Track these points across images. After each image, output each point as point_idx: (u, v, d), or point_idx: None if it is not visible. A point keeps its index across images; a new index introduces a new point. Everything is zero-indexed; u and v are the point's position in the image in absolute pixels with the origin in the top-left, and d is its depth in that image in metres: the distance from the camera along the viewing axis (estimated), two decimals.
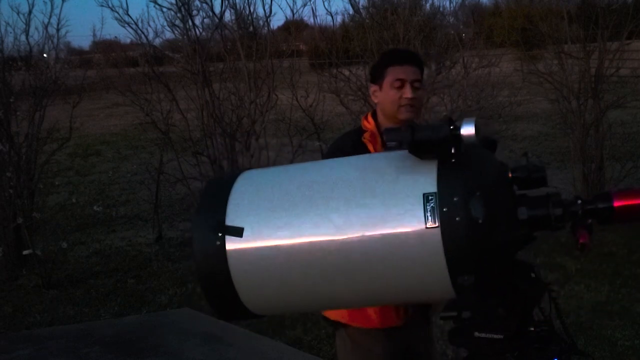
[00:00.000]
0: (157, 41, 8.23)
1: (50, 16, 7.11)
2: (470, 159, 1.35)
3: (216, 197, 1.50)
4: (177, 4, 6.70)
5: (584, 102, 7.06)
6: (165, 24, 8.75)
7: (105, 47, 17.54)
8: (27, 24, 7.06)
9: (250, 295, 1.48)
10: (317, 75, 7.72)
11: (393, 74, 2.33)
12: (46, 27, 7.19)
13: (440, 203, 1.30)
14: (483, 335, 1.45)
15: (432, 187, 1.32)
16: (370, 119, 2.43)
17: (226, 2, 6.83)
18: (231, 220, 1.45)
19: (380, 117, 2.41)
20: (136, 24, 6.90)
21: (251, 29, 7.41)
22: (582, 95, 7.06)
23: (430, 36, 7.57)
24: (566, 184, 7.23)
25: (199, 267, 1.48)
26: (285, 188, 1.49)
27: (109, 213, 9.09)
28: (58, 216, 8.32)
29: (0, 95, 6.62)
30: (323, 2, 22.85)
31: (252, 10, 8.41)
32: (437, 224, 1.30)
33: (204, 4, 6.81)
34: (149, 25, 11.08)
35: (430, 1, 11.51)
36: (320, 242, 1.39)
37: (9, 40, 9.02)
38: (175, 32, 7.06)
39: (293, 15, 7.82)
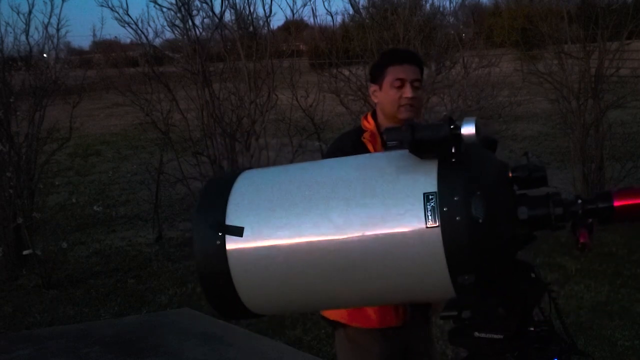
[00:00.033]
0: (157, 41, 8.26)
1: (50, 16, 7.12)
2: (471, 159, 1.35)
3: (216, 196, 1.50)
4: (177, 4, 6.71)
5: (584, 102, 7.06)
6: (165, 24, 8.78)
7: (105, 47, 17.54)
8: (27, 24, 7.07)
9: (250, 294, 1.48)
10: (317, 75, 7.72)
11: (393, 73, 2.33)
12: (46, 27, 7.20)
13: (440, 202, 1.30)
14: (483, 335, 1.45)
15: (432, 187, 1.32)
16: (370, 118, 2.43)
17: (226, 2, 6.84)
18: (231, 220, 1.45)
19: (380, 117, 2.41)
20: (136, 24, 6.92)
21: (251, 29, 7.42)
22: (582, 95, 7.06)
23: (430, 36, 7.58)
24: (566, 184, 7.23)
25: (199, 266, 1.48)
26: (285, 188, 1.49)
27: (109, 213, 9.09)
28: (58, 216, 8.32)
29: (0, 95, 6.62)
30: (323, 2, 22.96)
31: (252, 10, 8.44)
32: (437, 224, 1.30)
33: (204, 4, 6.82)
34: (149, 25, 11.13)
35: (430, 1, 11.53)
36: (320, 241, 1.39)
37: (9, 40, 9.02)
38: (175, 32, 7.07)
39: (293, 15, 7.84)
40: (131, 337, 4.86)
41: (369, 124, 2.42)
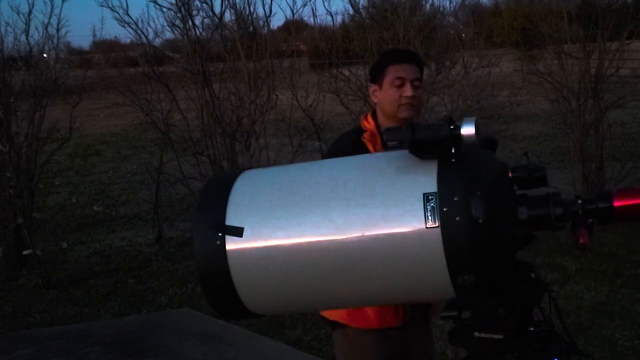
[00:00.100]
0: (157, 41, 8.26)
1: (50, 16, 7.12)
2: (471, 159, 1.35)
3: (216, 196, 1.50)
4: (177, 4, 6.71)
5: (584, 102, 7.06)
6: (165, 24, 8.78)
7: (105, 47, 17.54)
8: (27, 24, 7.07)
9: (250, 295, 1.48)
10: (317, 75, 7.73)
11: (393, 72, 2.33)
12: (46, 27, 7.20)
13: (440, 203, 1.30)
14: (483, 335, 1.45)
15: (432, 187, 1.32)
16: (370, 118, 2.43)
17: (226, 2, 6.84)
18: (231, 220, 1.45)
19: (380, 117, 2.41)
20: (136, 24, 6.92)
21: (251, 29, 7.42)
22: (582, 95, 7.06)
23: (430, 36, 7.58)
24: (566, 184, 7.23)
25: (199, 266, 1.48)
26: (286, 188, 1.49)
27: (109, 213, 9.09)
28: (58, 216, 8.32)
29: (0, 95, 6.62)
30: (323, 2, 22.95)
31: (252, 10, 8.43)
32: (437, 224, 1.30)
33: (204, 4, 6.83)
34: (149, 25, 11.11)
35: (430, 1, 11.53)
36: (320, 241, 1.39)
37: (9, 40, 9.00)
38: (175, 32, 7.08)
39: (293, 15, 7.84)
40: (131, 337, 4.86)
41: (368, 124, 2.42)
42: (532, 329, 1.48)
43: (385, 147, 1.37)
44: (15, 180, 6.43)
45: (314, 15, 16.16)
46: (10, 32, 8.39)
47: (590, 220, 1.38)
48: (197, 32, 6.84)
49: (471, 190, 1.31)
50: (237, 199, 1.48)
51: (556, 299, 1.54)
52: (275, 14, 23.81)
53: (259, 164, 6.51)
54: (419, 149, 1.33)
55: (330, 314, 2.39)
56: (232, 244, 1.44)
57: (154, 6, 6.82)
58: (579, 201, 1.38)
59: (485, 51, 9.12)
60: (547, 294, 1.52)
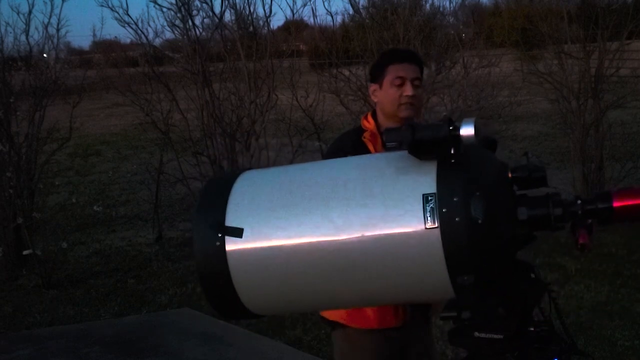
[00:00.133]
0: (157, 41, 8.26)
1: (50, 16, 7.12)
2: (470, 159, 1.35)
3: (216, 197, 1.50)
4: (177, 4, 6.72)
5: (584, 102, 7.06)
6: (165, 24, 8.79)
7: (105, 47, 17.55)
8: (27, 24, 7.07)
9: (250, 295, 1.48)
10: (317, 75, 7.73)
11: (393, 72, 2.33)
12: (46, 27, 7.20)
13: (439, 203, 1.30)
14: (483, 335, 1.45)
15: (431, 188, 1.32)
16: (370, 118, 2.43)
17: (226, 2, 6.84)
18: (231, 220, 1.45)
19: (380, 117, 2.41)
20: (136, 24, 6.92)
21: (251, 29, 7.42)
22: (582, 95, 7.06)
23: (430, 36, 7.58)
24: (566, 184, 7.23)
25: (199, 266, 1.48)
26: (285, 188, 1.49)
27: (109, 213, 9.09)
28: (58, 216, 8.33)
29: (0, 95, 6.62)
30: (323, 2, 22.97)
31: (252, 10, 8.43)
32: (436, 225, 1.30)
33: (204, 4, 6.83)
34: (149, 25, 11.13)
35: (430, 1, 11.53)
36: (320, 242, 1.39)
37: (9, 40, 9.01)
38: (175, 32, 7.08)
39: (293, 15, 7.84)
40: (131, 337, 4.86)
41: (369, 123, 2.42)
42: (532, 329, 1.48)
43: (385, 148, 1.37)
44: (15, 180, 6.43)
45: (314, 15, 16.18)
46: (10, 32, 8.41)
47: (589, 220, 1.38)
48: (197, 32, 6.85)
49: (470, 191, 1.31)
50: (237, 199, 1.48)
51: (556, 299, 1.54)
52: (275, 14, 23.83)
53: (259, 164, 6.51)
54: (419, 149, 1.33)
55: (330, 314, 2.39)
56: (232, 245, 1.44)
57: (154, 6, 6.83)
58: (579, 201, 1.38)
59: (485, 51, 9.12)
60: (547, 294, 1.52)
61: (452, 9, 9.74)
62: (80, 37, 67.79)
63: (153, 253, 7.10)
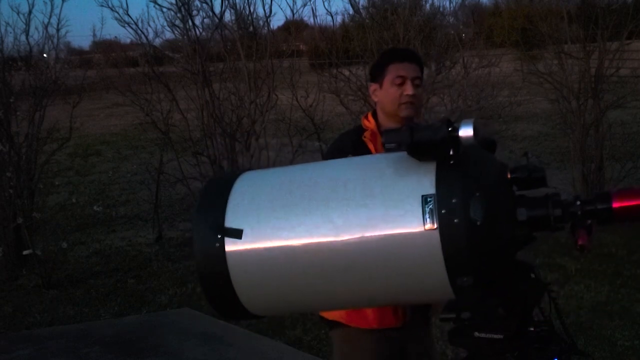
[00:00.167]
0: (157, 41, 8.26)
1: (50, 16, 7.12)
2: (469, 160, 1.34)
3: (216, 197, 1.50)
4: (177, 4, 6.72)
5: (584, 102, 7.06)
6: (165, 24, 8.79)
7: (105, 47, 17.55)
8: (27, 24, 7.07)
9: (250, 296, 1.48)
10: (317, 75, 7.73)
11: (394, 71, 2.33)
12: (46, 27, 7.21)
13: (438, 205, 1.30)
14: (483, 335, 1.45)
15: (430, 189, 1.32)
16: (370, 118, 2.43)
17: (226, 2, 6.85)
18: (231, 220, 1.45)
19: (381, 116, 2.41)
20: (136, 24, 6.92)
21: (251, 29, 7.42)
22: (582, 95, 7.06)
23: (430, 36, 7.58)
24: (566, 184, 7.23)
25: (198, 267, 1.48)
26: (285, 189, 1.49)
27: (109, 213, 9.10)
28: (58, 216, 8.33)
29: (0, 95, 6.63)
30: (323, 2, 22.96)
31: (252, 10, 8.43)
32: (435, 226, 1.29)
33: (204, 4, 6.83)
34: (149, 25, 11.12)
35: (430, 1, 11.52)
36: (320, 243, 1.39)
37: (9, 40, 9.01)
38: (175, 32, 7.08)
39: (293, 15, 7.85)
40: (131, 337, 4.86)
41: (369, 123, 2.42)
42: (532, 329, 1.48)
43: (384, 149, 1.37)
44: (15, 180, 6.43)
45: (314, 15, 16.17)
46: (10, 32, 8.41)
47: (589, 221, 1.37)
48: (197, 32, 6.85)
49: (469, 192, 1.30)
50: (237, 199, 1.48)
51: (556, 299, 1.54)
52: (275, 14, 23.83)
53: (259, 164, 6.51)
54: (418, 151, 1.33)
55: (329, 314, 2.39)
56: (232, 245, 1.43)
57: (154, 6, 6.83)
58: (578, 202, 1.38)
59: (485, 51, 9.11)
60: (547, 294, 1.51)
61: (452, 9, 9.74)
62: (80, 37, 67.82)
63: (153, 253, 7.10)
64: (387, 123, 2.38)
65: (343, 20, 11.37)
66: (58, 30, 7.27)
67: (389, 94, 2.34)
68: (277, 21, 53.78)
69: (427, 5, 8.96)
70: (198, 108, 6.78)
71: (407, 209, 1.32)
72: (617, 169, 7.21)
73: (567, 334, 1.50)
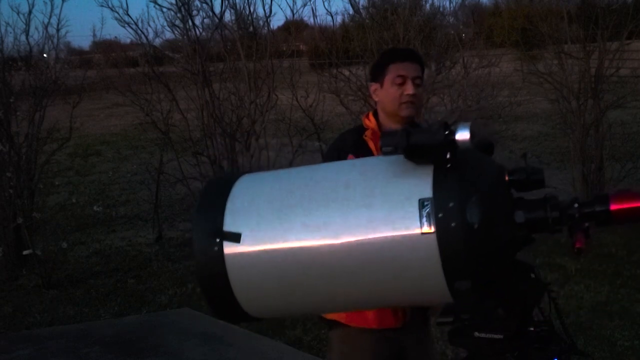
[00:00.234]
0: (157, 41, 8.26)
1: (50, 16, 7.12)
2: (467, 164, 1.34)
3: (215, 199, 1.50)
4: (177, 4, 6.72)
5: (584, 102, 7.07)
6: (165, 24, 8.79)
7: (105, 47, 17.56)
8: (27, 24, 7.07)
9: (249, 298, 1.48)
10: (317, 75, 7.73)
11: (394, 70, 2.33)
12: (46, 27, 7.21)
13: (435, 208, 1.29)
14: (483, 335, 1.45)
15: (427, 193, 1.31)
16: (371, 117, 2.44)
17: (226, 2, 6.85)
18: (229, 223, 1.45)
19: (381, 116, 2.41)
20: (136, 24, 6.93)
21: (251, 29, 7.42)
22: (582, 95, 7.06)
23: (430, 36, 7.58)
24: (566, 184, 7.24)
25: (197, 269, 1.48)
26: (284, 191, 1.49)
27: (109, 213, 9.10)
28: (58, 216, 8.33)
29: (0, 95, 6.63)
30: (323, 2, 22.92)
31: (252, 10, 8.43)
32: (432, 230, 1.29)
33: (204, 4, 6.83)
34: (149, 25, 11.10)
35: (430, 1, 11.51)
36: (318, 245, 1.39)
37: (9, 40, 8.99)
38: (175, 32, 7.08)
39: (293, 15, 7.85)
40: (131, 337, 4.87)
41: (370, 122, 2.42)
42: (532, 329, 1.48)
43: (381, 152, 1.37)
44: (15, 180, 6.44)
45: (314, 15, 16.12)
46: (10, 32, 8.40)
47: (587, 224, 1.37)
48: (197, 32, 6.86)
49: (467, 196, 1.30)
50: (237, 200, 1.48)
51: (556, 299, 1.54)
52: (275, 14, 23.84)
53: (259, 164, 6.52)
54: (414, 154, 1.33)
55: (328, 314, 2.39)
56: (230, 248, 1.43)
57: (154, 6, 6.83)
58: (576, 205, 1.38)
59: (485, 51, 9.11)
60: (547, 294, 1.52)
61: (452, 9, 9.73)
62: (80, 37, 67.80)
63: (153, 253, 7.10)
64: (388, 123, 2.38)
65: (343, 20, 11.37)
66: (58, 30, 7.28)
67: (389, 94, 2.34)
68: (277, 21, 53.79)
69: (427, 5, 8.97)
70: (198, 108, 6.78)
71: (403, 213, 1.32)
72: (617, 169, 7.21)
73: (567, 334, 1.50)
